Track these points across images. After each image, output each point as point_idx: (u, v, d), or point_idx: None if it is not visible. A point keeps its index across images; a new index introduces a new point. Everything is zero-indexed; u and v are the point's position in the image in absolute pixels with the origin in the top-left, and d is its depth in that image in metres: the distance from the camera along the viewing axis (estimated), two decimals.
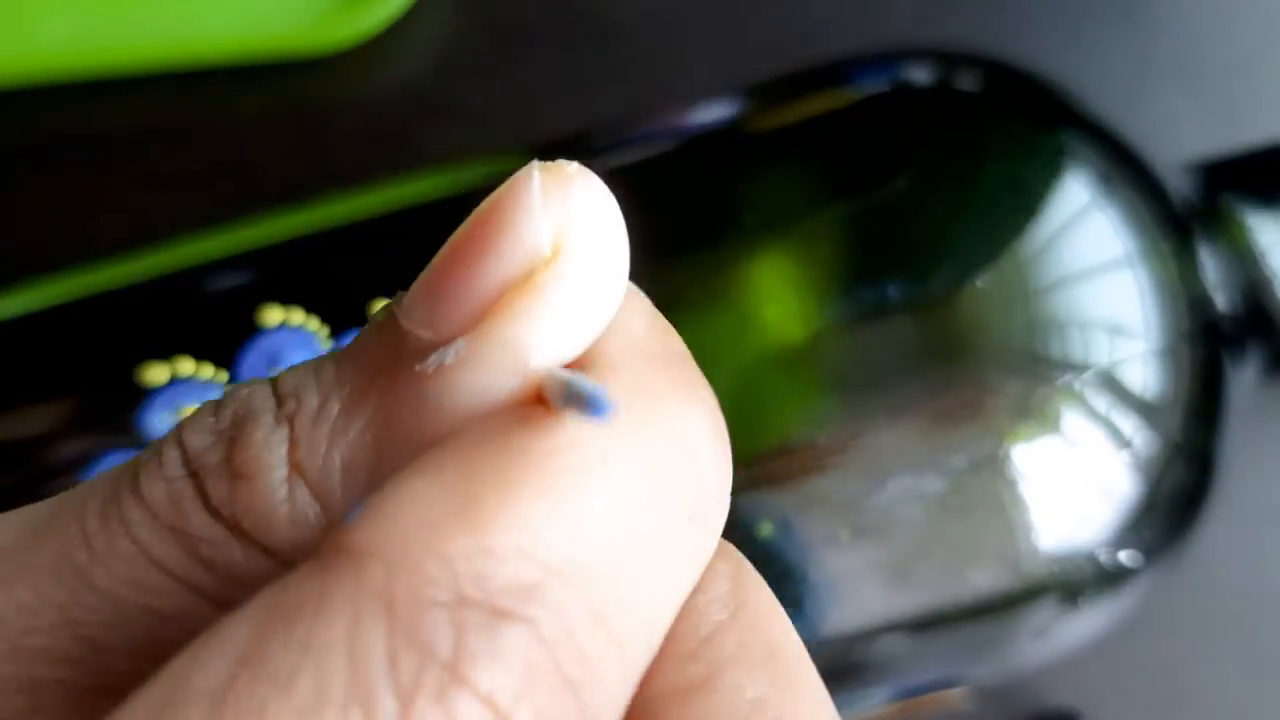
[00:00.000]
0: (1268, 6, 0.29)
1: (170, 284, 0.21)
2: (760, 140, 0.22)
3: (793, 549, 0.20)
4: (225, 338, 0.20)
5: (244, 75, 0.28)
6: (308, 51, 0.28)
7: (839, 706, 0.23)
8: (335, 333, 0.20)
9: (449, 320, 0.12)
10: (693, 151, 0.22)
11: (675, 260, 0.21)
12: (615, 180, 0.21)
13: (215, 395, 0.18)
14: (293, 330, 0.20)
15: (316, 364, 0.12)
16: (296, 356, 0.20)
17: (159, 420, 0.20)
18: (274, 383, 0.12)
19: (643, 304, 0.13)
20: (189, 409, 0.19)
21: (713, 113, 0.22)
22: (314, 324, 0.20)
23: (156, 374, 0.20)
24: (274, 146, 0.27)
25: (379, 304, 0.20)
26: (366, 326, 0.13)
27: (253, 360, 0.20)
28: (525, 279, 0.12)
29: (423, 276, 0.12)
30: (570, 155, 0.21)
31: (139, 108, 0.28)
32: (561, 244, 0.12)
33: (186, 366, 0.20)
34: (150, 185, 0.26)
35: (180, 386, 0.20)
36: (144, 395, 0.20)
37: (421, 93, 0.27)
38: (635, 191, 0.21)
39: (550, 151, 0.22)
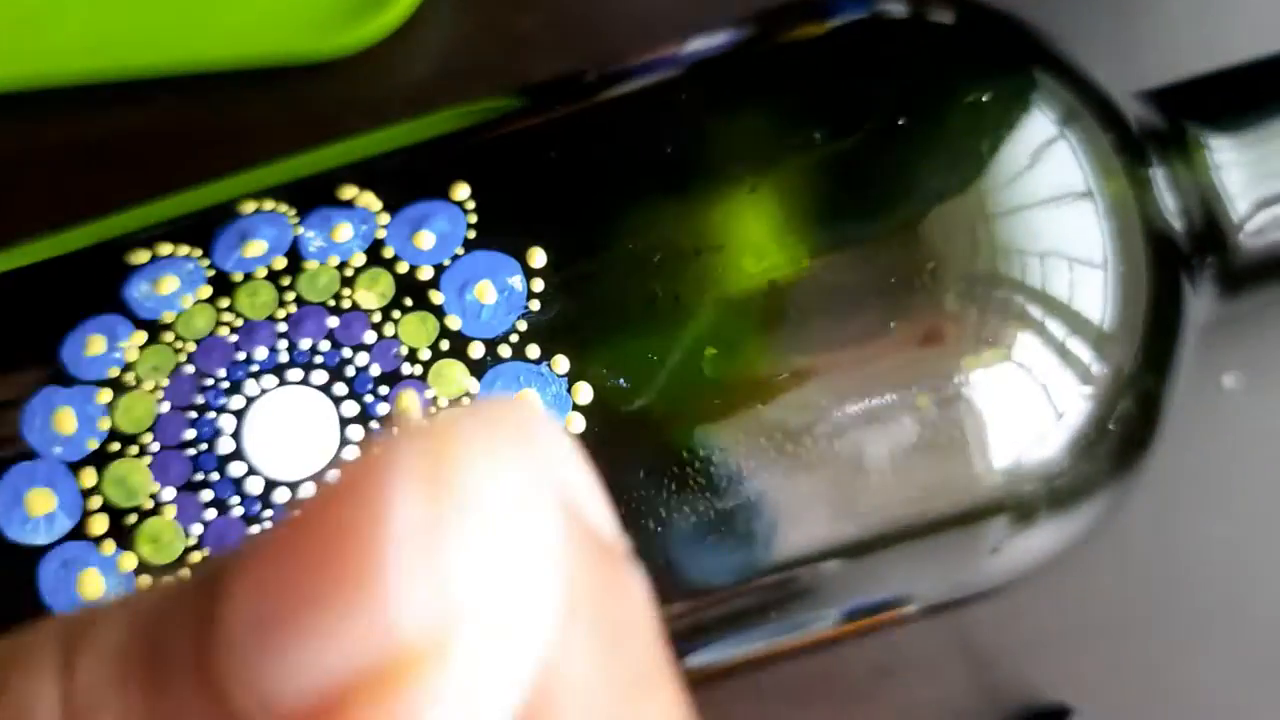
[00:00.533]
0: None
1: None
2: (736, 71, 0.23)
3: (748, 475, 0.21)
4: (205, 228, 0.22)
5: (249, 80, 0.29)
6: (312, 57, 0.29)
7: (793, 628, 0.23)
8: (302, 212, 0.22)
9: (277, 691, 0.08)
10: (672, 86, 0.23)
11: (644, 198, 0.22)
12: (602, 116, 0.23)
13: (190, 267, 0.20)
14: (265, 214, 0.22)
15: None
16: (266, 232, 0.21)
17: (138, 290, 0.21)
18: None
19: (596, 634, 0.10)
20: (166, 278, 0.21)
21: (696, 46, 0.24)
22: (283, 208, 0.22)
23: (138, 256, 0.22)
24: (279, 150, 0.28)
25: (347, 189, 0.22)
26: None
27: (227, 235, 0.22)
28: (381, 678, 0.08)
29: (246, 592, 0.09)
30: (560, 94, 0.24)
31: (146, 113, 0.29)
32: (449, 631, 0.08)
33: (165, 249, 0.22)
34: (157, 189, 0.28)
35: (161, 261, 0.21)
36: (128, 271, 0.21)
37: (425, 98, 0.27)
38: (623, 135, 0.23)
39: (539, 92, 0.24)
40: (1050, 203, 0.22)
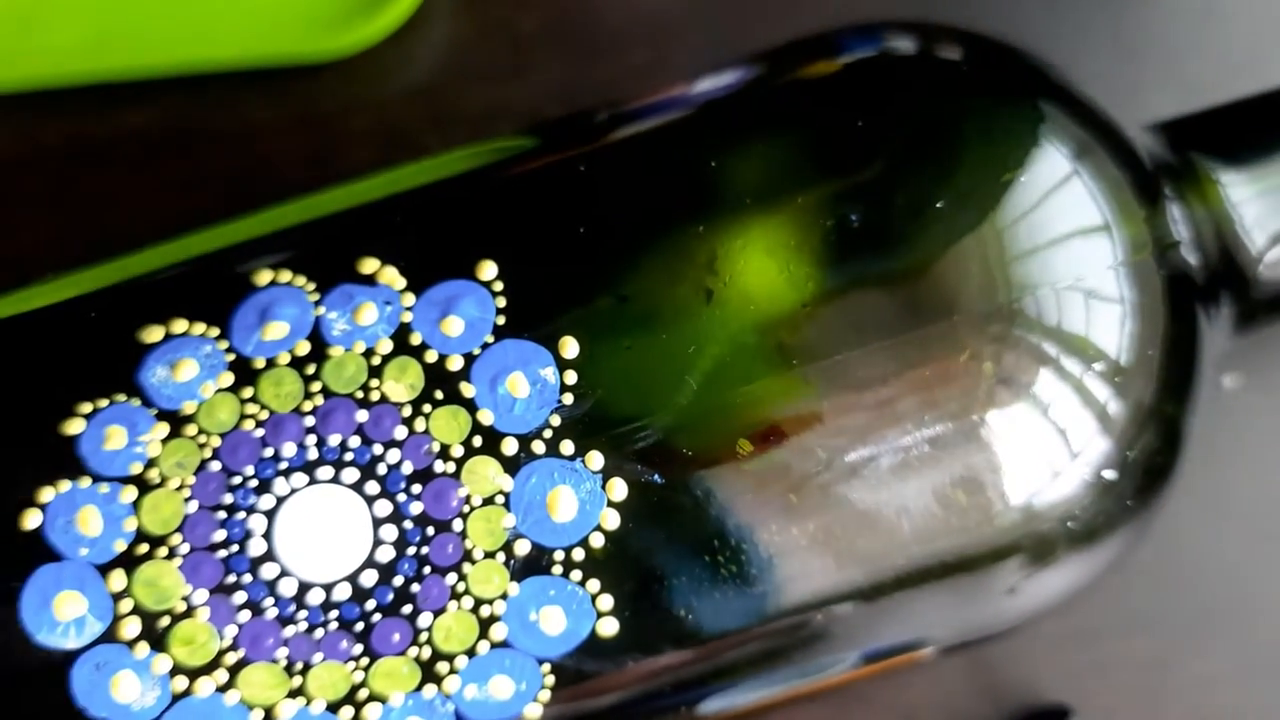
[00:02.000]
0: None
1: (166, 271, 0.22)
2: (746, 108, 0.23)
3: (757, 520, 0.21)
4: (217, 299, 0.21)
5: (251, 80, 0.28)
6: (314, 57, 0.28)
7: (811, 672, 0.23)
8: (321, 288, 0.21)
9: None
10: (683, 125, 0.23)
11: (658, 233, 0.21)
12: (609, 156, 0.22)
13: (208, 349, 0.19)
14: (282, 287, 0.21)
15: None
16: (286, 314, 0.20)
17: (154, 375, 0.20)
18: None
19: None
20: (184, 363, 0.20)
21: (705, 86, 0.23)
22: (301, 280, 0.21)
23: (152, 334, 0.21)
24: (281, 150, 0.27)
25: (368, 262, 0.21)
26: None
27: (244, 314, 0.21)
28: None
29: None
30: (571, 134, 0.23)
31: (148, 113, 0.28)
32: None
33: (180, 326, 0.21)
34: (159, 189, 0.27)
35: (175, 341, 0.21)
36: (142, 352, 0.21)
37: (427, 98, 0.27)
38: (623, 166, 0.22)
39: (550, 131, 0.23)
40: (1064, 238, 0.22)
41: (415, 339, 0.20)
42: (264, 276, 0.21)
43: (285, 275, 0.21)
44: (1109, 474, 0.22)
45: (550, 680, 0.21)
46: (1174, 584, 0.29)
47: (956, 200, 0.21)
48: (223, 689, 0.20)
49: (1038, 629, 0.29)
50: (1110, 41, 0.24)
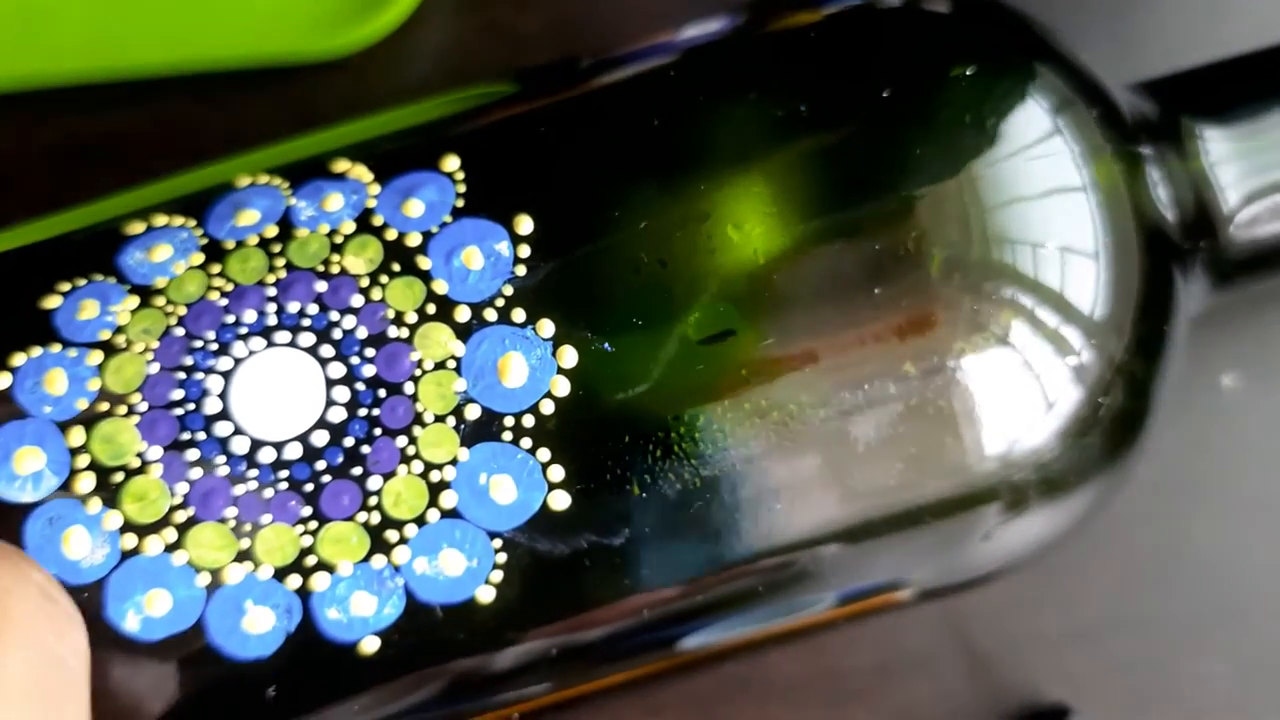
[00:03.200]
0: None
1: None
2: (729, 56, 0.24)
3: (733, 450, 0.21)
4: (197, 204, 0.22)
5: (250, 80, 0.29)
6: (314, 56, 0.29)
7: (787, 611, 0.22)
8: (295, 186, 0.22)
9: None
10: (665, 69, 0.23)
11: (647, 180, 0.22)
12: (595, 98, 0.23)
13: (184, 235, 0.20)
14: (259, 186, 0.22)
15: None
16: (260, 203, 0.22)
17: (131, 258, 0.21)
18: None
19: None
20: (160, 246, 0.21)
21: (692, 33, 0.24)
22: (277, 181, 0.22)
23: (133, 226, 0.22)
24: None
25: (340, 162, 0.22)
26: None
27: (221, 206, 0.22)
28: None
29: None
30: (554, 80, 0.24)
31: (149, 111, 0.29)
32: None
33: (160, 220, 0.22)
34: None
35: (155, 232, 0.22)
36: (122, 240, 0.22)
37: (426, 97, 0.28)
38: (613, 113, 0.23)
39: (533, 77, 0.24)
40: (1042, 191, 0.22)
41: (377, 220, 0.21)
42: (244, 180, 0.22)
43: (264, 179, 0.22)
44: (1079, 425, 0.22)
45: (502, 559, 0.20)
46: (1173, 584, 0.28)
47: (937, 152, 0.22)
48: (171, 548, 0.20)
49: (1039, 628, 0.28)
50: (1109, 39, 0.24)
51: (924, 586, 0.24)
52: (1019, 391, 0.22)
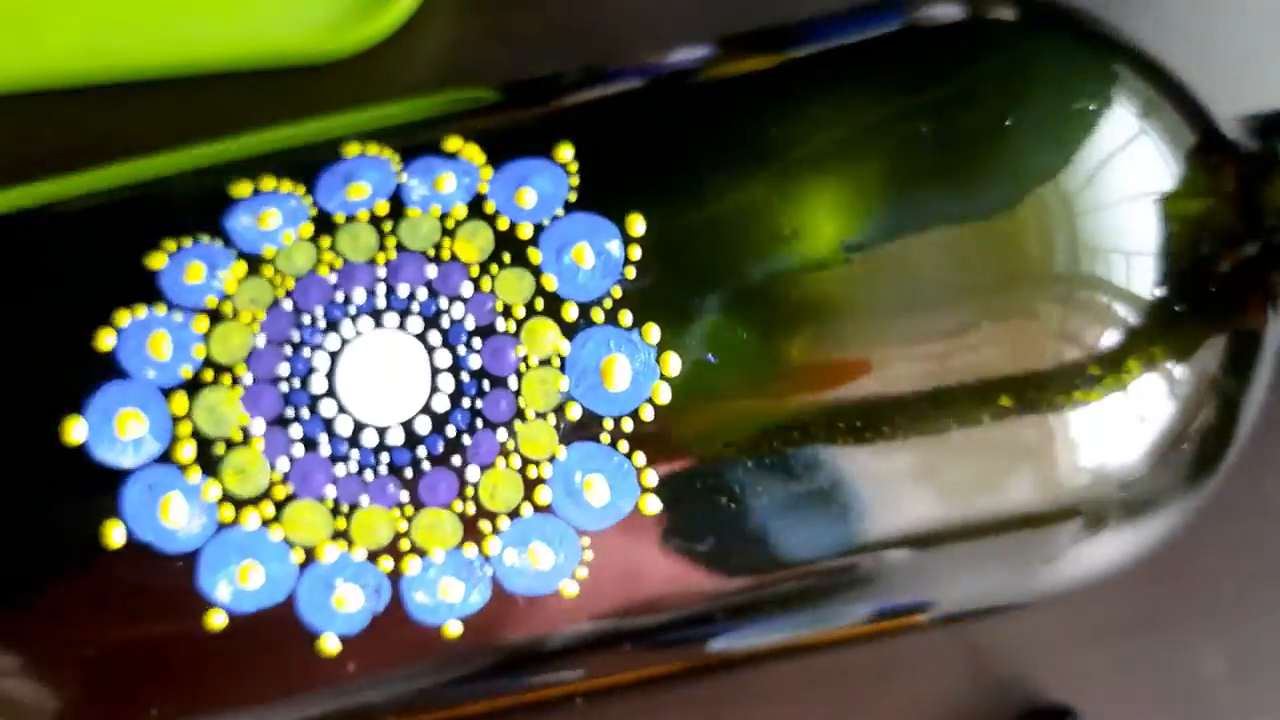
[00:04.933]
0: None
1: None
2: (852, 71, 0.23)
3: (823, 460, 0.21)
4: (306, 168, 0.22)
5: (251, 80, 0.29)
6: (313, 58, 0.29)
7: (820, 621, 0.23)
8: (406, 161, 0.22)
9: None
10: (790, 85, 0.23)
11: (765, 193, 0.22)
12: (719, 107, 0.23)
13: (292, 203, 0.20)
14: (369, 156, 0.22)
15: None
16: (370, 176, 0.21)
17: (239, 221, 0.21)
18: None
19: None
20: (268, 212, 0.21)
21: (682, 56, 0.24)
22: (388, 153, 0.22)
23: (240, 188, 0.22)
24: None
25: (452, 140, 0.22)
26: None
27: (330, 175, 0.22)
28: None
29: None
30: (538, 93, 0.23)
31: (149, 113, 0.29)
32: None
33: (268, 183, 0.22)
34: None
35: (263, 196, 0.22)
36: (229, 201, 0.22)
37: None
38: (736, 121, 0.23)
39: (518, 90, 0.24)
40: (1140, 202, 0.22)
41: (489, 207, 0.21)
42: (353, 148, 0.22)
43: (373, 148, 0.22)
44: (1169, 443, 0.22)
45: (589, 556, 0.21)
46: (1177, 583, 0.29)
47: (1031, 163, 0.22)
48: (268, 523, 0.20)
49: (1041, 628, 0.28)
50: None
51: (960, 609, 0.24)
52: (1110, 406, 0.22)
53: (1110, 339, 0.21)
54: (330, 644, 0.20)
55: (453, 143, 0.22)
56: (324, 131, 0.23)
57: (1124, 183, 0.22)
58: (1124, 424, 0.22)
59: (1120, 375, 0.22)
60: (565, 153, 0.21)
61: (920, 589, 0.23)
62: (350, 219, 0.21)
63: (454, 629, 0.21)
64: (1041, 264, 0.21)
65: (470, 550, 0.20)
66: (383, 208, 0.21)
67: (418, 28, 0.30)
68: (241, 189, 0.22)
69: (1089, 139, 0.22)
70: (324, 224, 0.21)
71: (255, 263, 0.21)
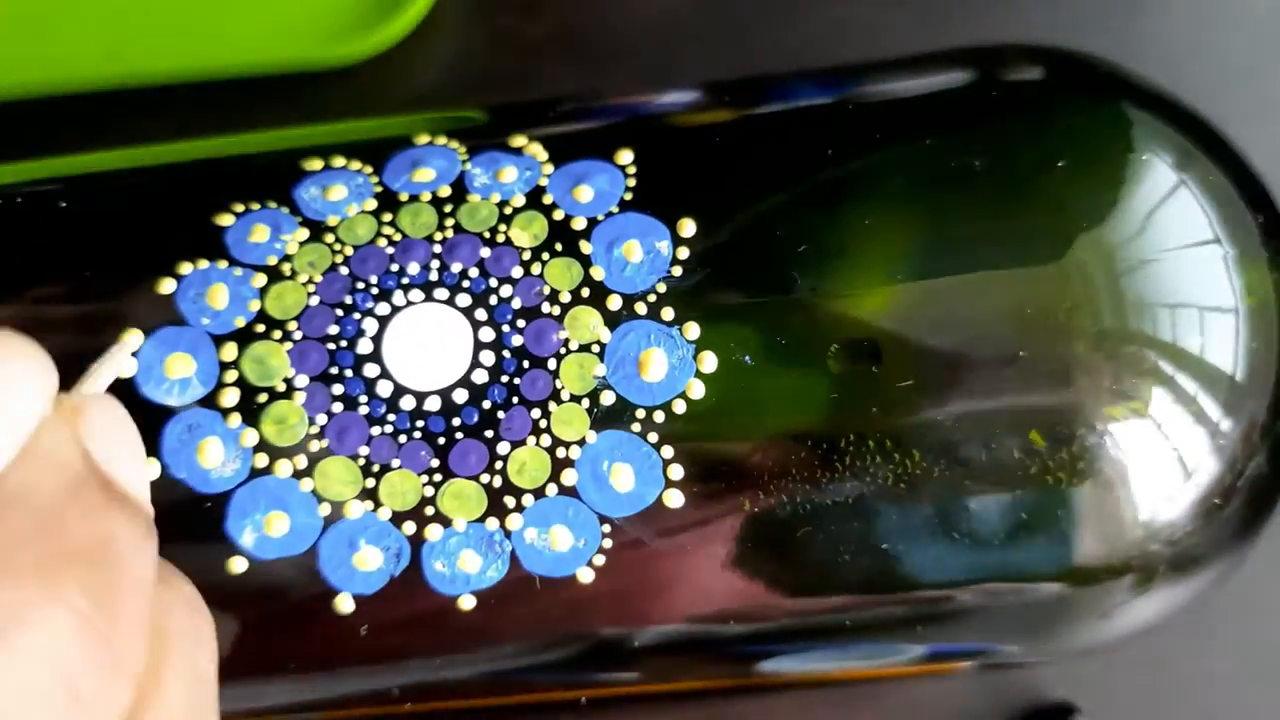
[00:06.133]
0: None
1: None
2: (911, 107, 0.24)
3: (848, 484, 0.21)
4: (376, 152, 0.23)
5: (261, 87, 0.29)
6: (325, 64, 0.29)
7: (870, 655, 0.23)
8: (472, 153, 0.23)
9: None
10: (849, 107, 0.24)
11: (812, 207, 0.22)
12: (775, 124, 0.23)
13: (359, 180, 0.21)
14: (437, 146, 0.23)
15: None
16: (436, 164, 0.22)
17: (307, 192, 0.22)
18: None
19: None
20: (335, 186, 0.22)
21: (676, 98, 0.25)
22: (455, 144, 0.23)
23: (312, 163, 0.23)
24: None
25: (517, 138, 0.23)
26: None
27: (399, 160, 0.23)
28: None
29: None
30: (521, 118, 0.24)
31: (162, 118, 0.29)
32: None
33: (339, 160, 0.23)
34: None
35: (332, 172, 0.23)
36: (301, 175, 0.23)
37: (436, 105, 0.27)
38: (790, 139, 0.23)
39: (504, 113, 0.25)
40: (1185, 255, 0.22)
41: (547, 199, 0.22)
42: (423, 138, 0.23)
43: (441, 139, 0.23)
44: (1219, 494, 0.22)
45: (608, 544, 0.21)
46: None
47: (1076, 215, 0.22)
48: (299, 474, 0.20)
49: None
50: (1108, 47, 0.25)
51: (1009, 659, 0.24)
52: (1159, 459, 0.22)
53: (1157, 393, 0.21)
54: (345, 604, 0.21)
55: (518, 139, 0.23)
56: (307, 139, 0.24)
57: (1168, 235, 0.22)
58: (1170, 477, 0.22)
59: (1166, 427, 0.22)
60: (625, 156, 0.22)
61: (973, 636, 0.23)
62: (413, 199, 0.22)
63: (468, 603, 0.21)
64: (1090, 318, 0.22)
65: (492, 524, 0.21)
66: (445, 191, 0.22)
67: (428, 34, 0.30)
68: (313, 164, 0.22)
69: (1134, 197, 0.22)
70: (388, 201, 0.22)
71: (318, 230, 0.22)
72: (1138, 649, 0.28)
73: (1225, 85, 0.26)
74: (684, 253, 0.21)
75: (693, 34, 0.31)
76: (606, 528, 0.21)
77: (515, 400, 0.21)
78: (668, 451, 0.21)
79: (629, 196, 0.22)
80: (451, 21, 0.31)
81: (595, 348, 0.21)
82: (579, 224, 0.22)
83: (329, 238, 0.22)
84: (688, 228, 0.21)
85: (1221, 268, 0.22)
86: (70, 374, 0.20)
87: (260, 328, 0.21)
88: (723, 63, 0.28)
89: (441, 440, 0.21)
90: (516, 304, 0.21)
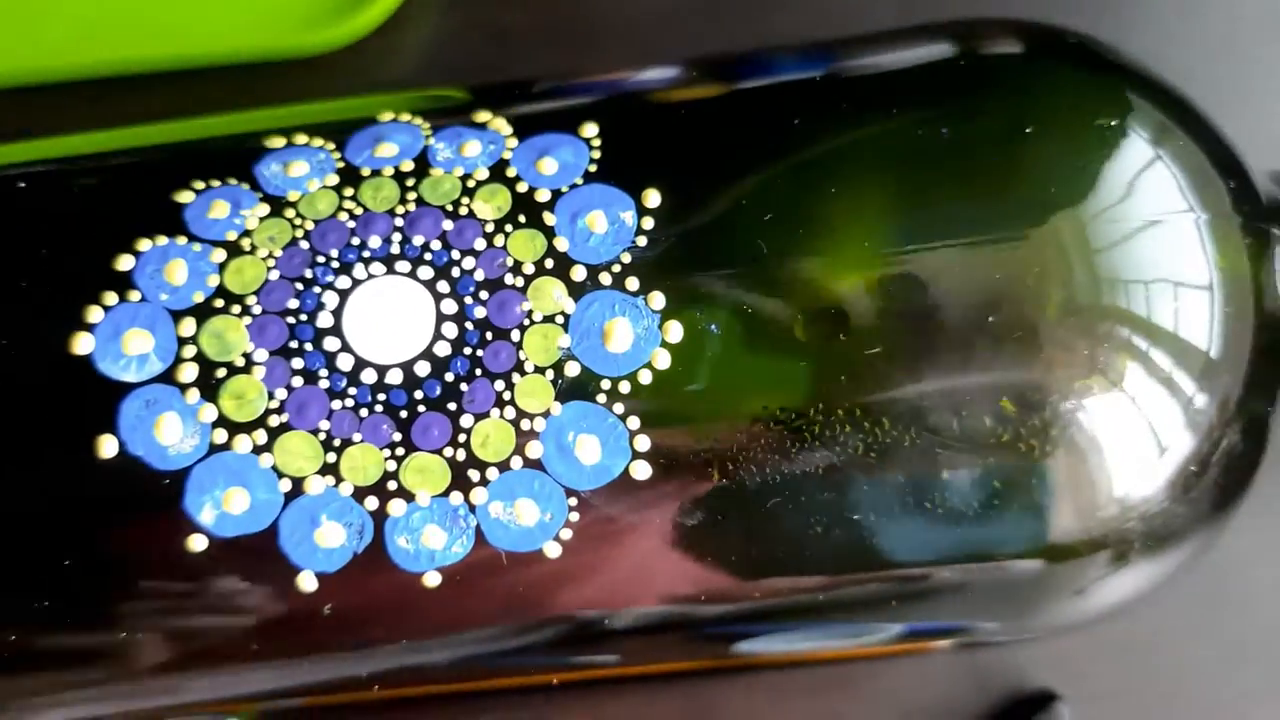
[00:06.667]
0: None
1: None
2: (881, 78, 0.24)
3: (826, 466, 0.21)
4: (338, 130, 0.23)
5: (237, 74, 0.29)
6: (301, 51, 0.29)
7: (848, 635, 0.22)
8: (436, 129, 0.23)
9: None
10: (814, 82, 0.24)
11: (777, 177, 0.22)
12: (740, 98, 0.23)
13: (321, 156, 0.21)
14: (400, 123, 0.23)
15: None
16: (399, 139, 0.22)
17: (268, 168, 0.22)
18: None
19: None
20: (297, 162, 0.22)
21: (652, 75, 0.25)
22: (419, 121, 0.23)
23: (274, 140, 0.23)
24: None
25: (481, 113, 0.23)
26: None
27: (361, 136, 0.22)
28: None
29: None
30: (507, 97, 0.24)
31: (139, 105, 0.29)
32: None
33: (301, 138, 0.23)
34: None
35: (294, 149, 0.22)
36: (262, 152, 0.22)
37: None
38: (754, 112, 0.23)
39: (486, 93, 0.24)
40: (1152, 220, 0.22)
41: (510, 172, 0.22)
42: (386, 115, 0.23)
43: (405, 116, 0.23)
44: (1195, 470, 0.22)
45: (575, 518, 0.20)
46: None
47: (1063, 196, 0.22)
48: (259, 450, 0.20)
49: None
50: (1094, 30, 0.25)
51: (990, 637, 0.24)
52: (1132, 435, 0.21)
53: (1132, 370, 0.21)
54: (308, 582, 0.20)
55: (481, 115, 0.22)
56: (288, 119, 0.24)
57: (1143, 210, 0.22)
58: (1143, 453, 0.21)
59: (1140, 404, 0.21)
60: (590, 129, 0.22)
61: (948, 614, 0.23)
62: (375, 173, 0.22)
63: (432, 579, 0.20)
64: (1061, 286, 0.21)
65: (456, 498, 0.20)
66: (407, 166, 0.22)
67: (404, 22, 0.30)
68: (275, 141, 0.22)
69: (1112, 168, 0.22)
70: (350, 176, 0.22)
71: (278, 205, 0.21)
72: (1120, 635, 0.28)
73: (1208, 70, 0.26)
74: (649, 223, 0.21)
75: (673, 21, 0.30)
76: (573, 501, 0.20)
77: (478, 372, 0.20)
78: (634, 423, 0.20)
79: (593, 169, 0.22)
80: (427, 10, 0.31)
81: (559, 319, 0.21)
82: (543, 196, 0.21)
83: (289, 213, 0.21)
84: (652, 198, 0.21)
85: (1194, 234, 0.22)
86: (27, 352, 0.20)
87: (219, 303, 0.21)
88: (703, 50, 0.28)
89: (404, 414, 0.20)
90: (479, 276, 0.21)
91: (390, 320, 0.21)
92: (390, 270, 0.21)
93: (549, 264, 0.21)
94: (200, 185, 0.22)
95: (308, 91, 0.29)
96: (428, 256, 0.21)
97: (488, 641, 0.21)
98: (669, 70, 0.24)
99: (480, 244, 0.21)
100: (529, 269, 0.21)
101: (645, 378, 0.21)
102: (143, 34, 0.29)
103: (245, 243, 0.21)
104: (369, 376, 0.20)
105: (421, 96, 0.25)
